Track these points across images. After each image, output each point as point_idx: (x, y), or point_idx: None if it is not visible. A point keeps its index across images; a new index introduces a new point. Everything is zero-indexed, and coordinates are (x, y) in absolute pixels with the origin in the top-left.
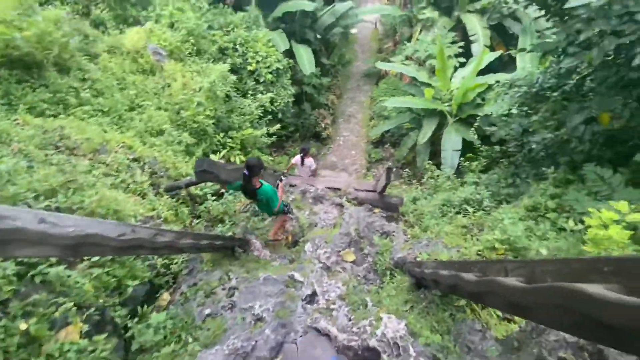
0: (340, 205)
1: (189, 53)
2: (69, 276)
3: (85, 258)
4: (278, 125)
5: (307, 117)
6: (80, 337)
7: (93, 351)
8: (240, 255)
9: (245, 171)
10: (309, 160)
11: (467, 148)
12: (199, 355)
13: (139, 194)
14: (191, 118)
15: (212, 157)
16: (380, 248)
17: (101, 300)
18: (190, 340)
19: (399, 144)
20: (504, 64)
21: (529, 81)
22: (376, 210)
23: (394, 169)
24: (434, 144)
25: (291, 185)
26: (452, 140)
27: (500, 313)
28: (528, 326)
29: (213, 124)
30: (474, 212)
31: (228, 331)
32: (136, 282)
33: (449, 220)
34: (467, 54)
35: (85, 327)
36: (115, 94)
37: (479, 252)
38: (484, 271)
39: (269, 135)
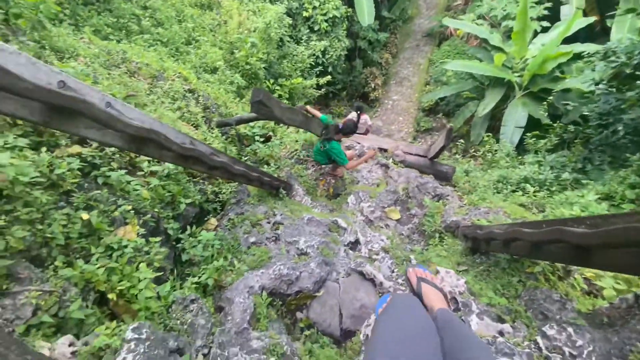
0: (386, 166)
1: None
2: (129, 182)
3: (144, 168)
4: (328, 77)
5: (357, 74)
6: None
7: (147, 253)
8: (283, 197)
9: (341, 125)
10: (365, 117)
11: (532, 126)
12: (245, 274)
13: (192, 124)
14: (244, 59)
15: None
16: (431, 210)
17: (156, 210)
18: (236, 261)
19: (454, 115)
20: (594, 35)
21: (629, 51)
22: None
23: (454, 134)
24: (494, 118)
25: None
26: (516, 115)
27: (584, 285)
28: (623, 303)
29: (265, 68)
30: (534, 192)
31: (273, 259)
32: (188, 200)
33: (504, 197)
34: (552, 18)
35: (142, 231)
36: (174, 25)
37: None
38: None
39: (318, 87)
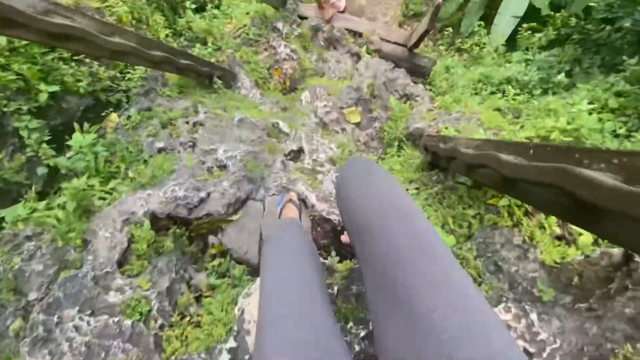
0: (357, 56)
1: None
2: None
3: None
4: None
5: None
6: None
7: None
8: (219, 88)
9: None
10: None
11: (530, 18)
12: (124, 196)
13: None
14: None
15: None
16: (395, 113)
17: None
18: (130, 174)
19: None
20: None
21: None
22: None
23: (440, 6)
24: (490, 6)
25: (301, 17)
26: (515, 2)
27: (556, 228)
28: (604, 259)
29: None
30: (514, 95)
31: (175, 173)
32: (54, 87)
33: (481, 100)
34: None
35: None
36: None
37: (527, 139)
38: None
39: None
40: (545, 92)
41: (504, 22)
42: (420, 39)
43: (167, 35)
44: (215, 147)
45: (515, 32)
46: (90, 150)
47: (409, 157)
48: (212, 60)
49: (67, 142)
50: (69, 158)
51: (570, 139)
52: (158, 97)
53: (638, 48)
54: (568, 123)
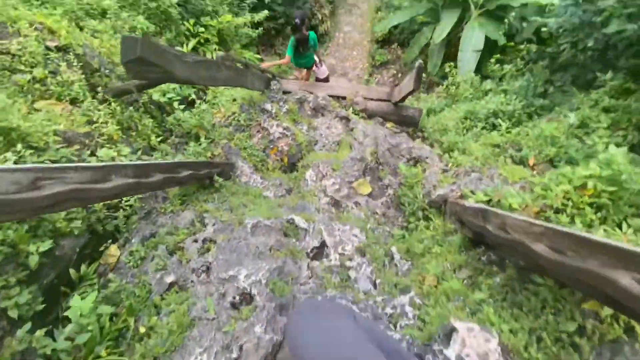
0: (346, 119)
1: None
2: None
3: None
4: (265, 12)
5: (300, 4)
6: None
7: None
8: (221, 185)
9: (297, 20)
10: (324, 67)
11: (489, 49)
12: None
13: (67, 100)
14: None
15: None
16: (408, 179)
17: None
18: (141, 330)
19: (409, 44)
20: None
21: None
22: (389, 124)
23: (422, 67)
24: (450, 44)
25: (285, 92)
26: (473, 38)
27: None
28: None
29: (179, 4)
30: (507, 128)
31: (196, 329)
32: (46, 246)
33: (475, 137)
34: None
35: None
36: None
37: (566, 193)
38: None
39: (255, 26)
40: (530, 116)
41: (467, 58)
42: (406, 97)
43: (157, 136)
44: (234, 273)
45: (480, 63)
46: (92, 314)
47: (442, 229)
48: (208, 154)
49: (65, 313)
50: (69, 334)
51: (613, 188)
52: (160, 216)
53: (604, 63)
54: (600, 168)
